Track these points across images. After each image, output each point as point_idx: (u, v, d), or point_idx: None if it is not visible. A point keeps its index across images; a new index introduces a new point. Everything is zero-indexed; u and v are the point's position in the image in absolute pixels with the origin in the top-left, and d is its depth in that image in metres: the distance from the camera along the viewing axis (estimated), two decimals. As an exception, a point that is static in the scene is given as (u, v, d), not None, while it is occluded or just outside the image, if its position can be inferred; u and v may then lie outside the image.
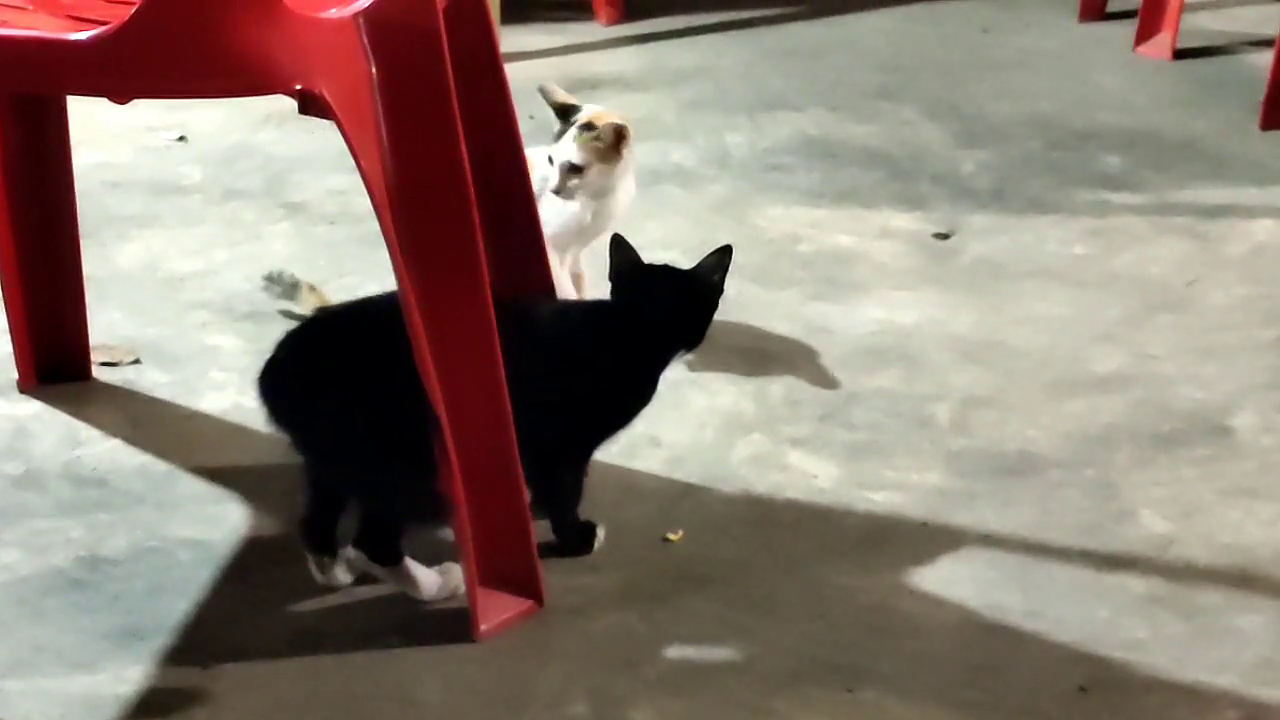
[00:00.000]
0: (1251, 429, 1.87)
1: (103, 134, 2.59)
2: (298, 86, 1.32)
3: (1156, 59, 3.08)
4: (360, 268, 2.17)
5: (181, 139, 2.66)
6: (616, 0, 3.33)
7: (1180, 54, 3.11)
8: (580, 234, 2.02)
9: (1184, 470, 1.78)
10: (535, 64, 3.06)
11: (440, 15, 1.42)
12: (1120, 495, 1.74)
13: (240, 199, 2.45)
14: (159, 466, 1.77)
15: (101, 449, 1.80)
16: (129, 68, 1.25)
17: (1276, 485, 1.76)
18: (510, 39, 3.08)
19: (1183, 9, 3.12)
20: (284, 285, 2.05)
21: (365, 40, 1.38)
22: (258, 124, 2.69)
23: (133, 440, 1.81)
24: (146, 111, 2.68)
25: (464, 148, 1.43)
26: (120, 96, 1.35)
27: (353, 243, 2.25)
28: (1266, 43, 2.92)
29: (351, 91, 1.37)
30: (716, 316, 2.08)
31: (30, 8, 1.39)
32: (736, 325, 2.09)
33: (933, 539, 1.67)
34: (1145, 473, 1.78)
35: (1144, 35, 3.15)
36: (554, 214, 1.98)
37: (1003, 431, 1.86)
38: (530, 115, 2.68)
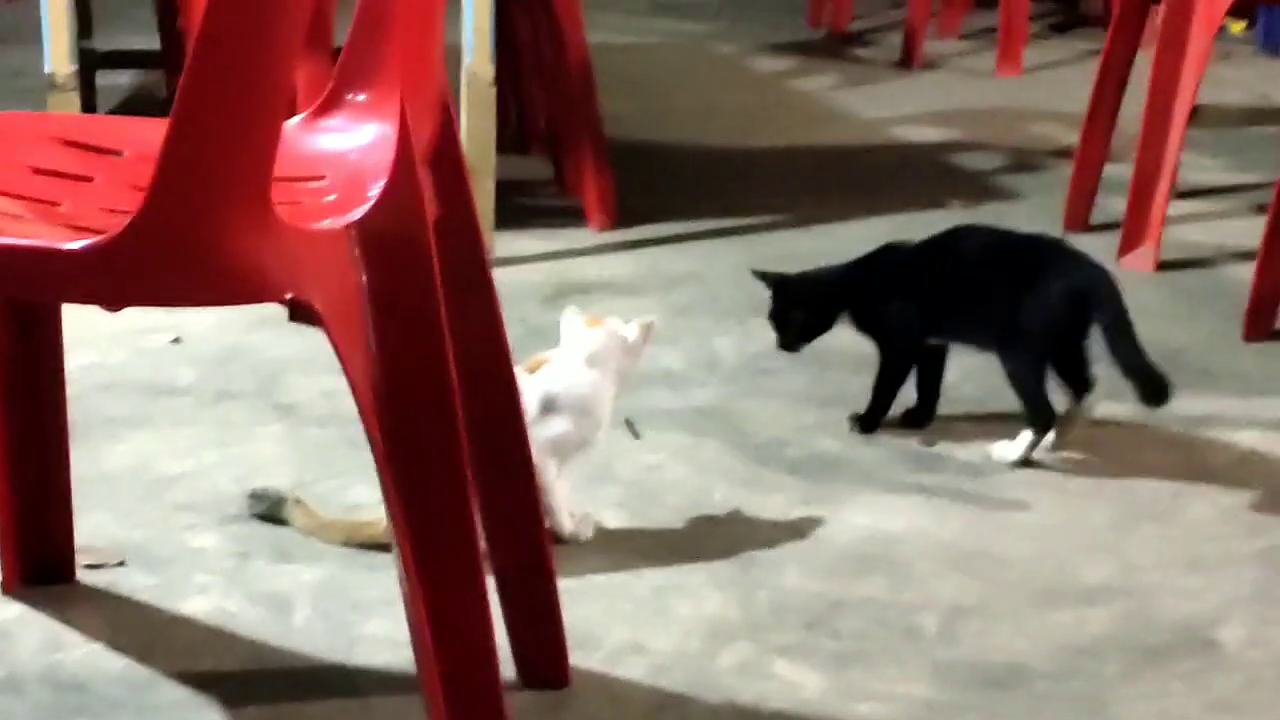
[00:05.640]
0: (1238, 642, 1.86)
1: (98, 335, 2.62)
2: (288, 295, 1.34)
3: (1140, 270, 3.13)
4: (349, 469, 2.18)
5: (177, 340, 2.69)
6: (609, 207, 3.39)
7: (1164, 265, 3.16)
8: (593, 437, 2.04)
9: (1171, 683, 1.77)
10: (528, 268, 3.10)
11: (430, 227, 1.45)
12: (1108, 708, 1.73)
13: (232, 400, 2.47)
14: (139, 672, 1.75)
15: (82, 653, 1.79)
16: (120, 277, 1.27)
17: (1263, 699, 1.75)
18: (504, 244, 3.13)
19: (1165, 222, 3.18)
20: (269, 501, 2.06)
21: (356, 250, 1.41)
22: (253, 325, 2.72)
23: (114, 644, 1.80)
24: (143, 314, 2.71)
25: (451, 357, 1.44)
26: (112, 305, 1.37)
27: (343, 444, 2.26)
28: (1249, 255, 2.97)
29: (341, 300, 1.39)
30: (704, 519, 2.11)
31: (28, 215, 1.41)
32: (723, 530, 2.09)
33: (919, 752, 1.65)
34: (1132, 685, 1.77)
35: (1127, 247, 3.20)
36: (568, 423, 2.00)
37: (989, 642, 1.85)
38: (522, 319, 2.73)
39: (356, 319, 1.40)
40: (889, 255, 2.43)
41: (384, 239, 1.41)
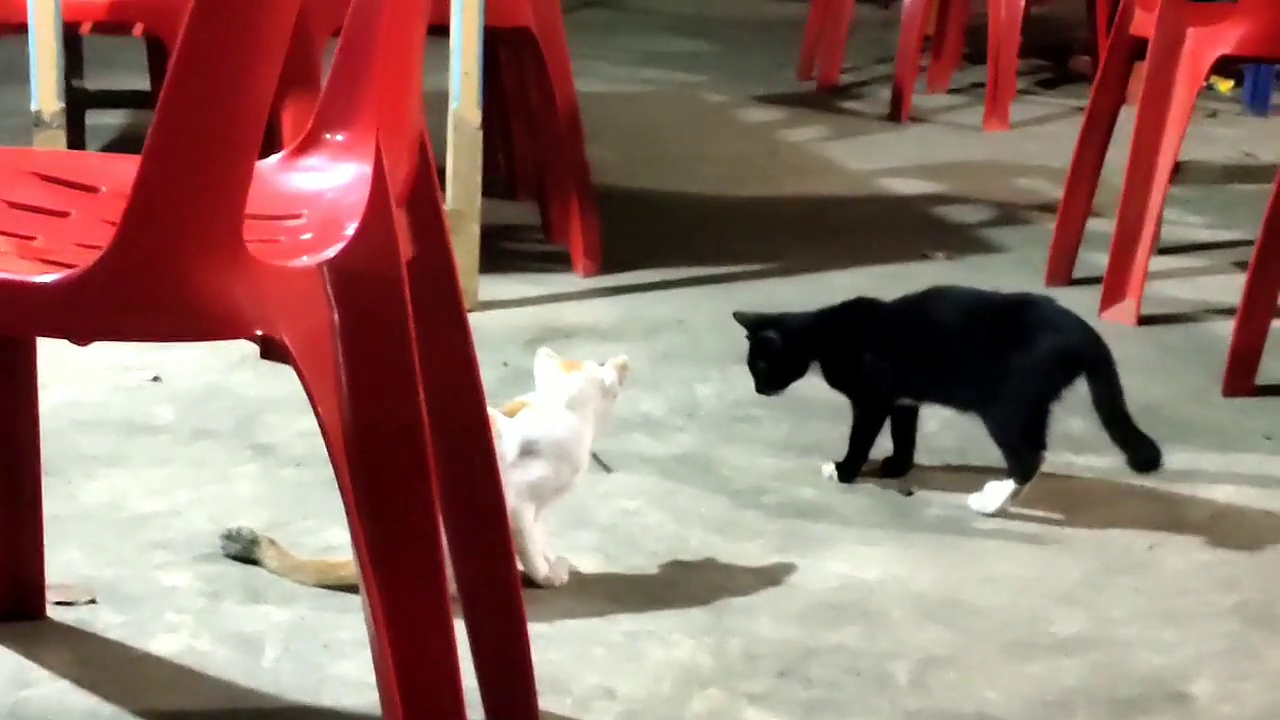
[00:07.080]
0: (1210, 697, 1.86)
1: (77, 373, 2.62)
2: (258, 332, 1.34)
3: (1122, 324, 3.14)
4: (324, 510, 2.18)
5: (156, 379, 2.68)
6: (595, 253, 3.40)
7: (1145, 320, 3.17)
8: (571, 481, 2.04)
9: (1142, 736, 1.77)
10: (512, 313, 3.10)
11: (404, 266, 1.46)
12: (1078, 761, 1.73)
13: (209, 439, 2.47)
14: (107, 709, 1.75)
15: (49, 690, 1.78)
16: (89, 311, 1.27)
17: (1235, 754, 1.75)
18: (489, 288, 3.13)
19: (1147, 277, 3.19)
20: (243, 542, 2.06)
21: (329, 288, 1.41)
22: (233, 365, 2.72)
23: (82, 682, 1.79)
24: (122, 351, 2.71)
25: (422, 397, 1.44)
26: (81, 339, 1.37)
27: (319, 485, 2.26)
28: (1229, 311, 2.98)
29: (312, 338, 1.39)
30: (679, 565, 2.09)
31: (1, 249, 1.41)
32: (698, 576, 2.09)
33: (887, 802, 1.64)
34: (1103, 738, 1.77)
35: (1109, 301, 3.21)
36: (546, 468, 1.99)
37: (961, 692, 1.85)
38: (504, 362, 2.73)
39: (327, 357, 1.40)
40: (861, 311, 2.44)
41: (357, 278, 1.41)
